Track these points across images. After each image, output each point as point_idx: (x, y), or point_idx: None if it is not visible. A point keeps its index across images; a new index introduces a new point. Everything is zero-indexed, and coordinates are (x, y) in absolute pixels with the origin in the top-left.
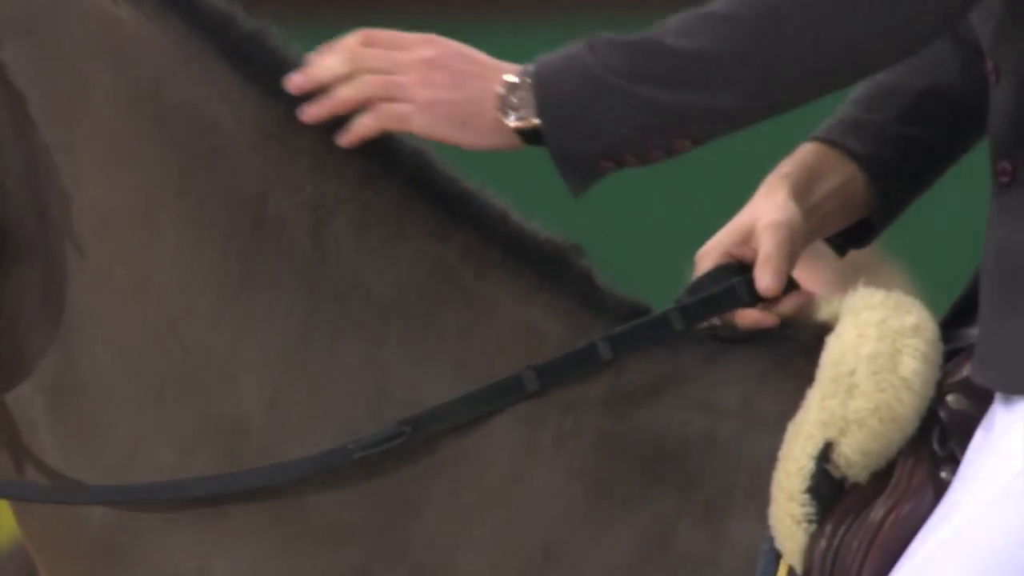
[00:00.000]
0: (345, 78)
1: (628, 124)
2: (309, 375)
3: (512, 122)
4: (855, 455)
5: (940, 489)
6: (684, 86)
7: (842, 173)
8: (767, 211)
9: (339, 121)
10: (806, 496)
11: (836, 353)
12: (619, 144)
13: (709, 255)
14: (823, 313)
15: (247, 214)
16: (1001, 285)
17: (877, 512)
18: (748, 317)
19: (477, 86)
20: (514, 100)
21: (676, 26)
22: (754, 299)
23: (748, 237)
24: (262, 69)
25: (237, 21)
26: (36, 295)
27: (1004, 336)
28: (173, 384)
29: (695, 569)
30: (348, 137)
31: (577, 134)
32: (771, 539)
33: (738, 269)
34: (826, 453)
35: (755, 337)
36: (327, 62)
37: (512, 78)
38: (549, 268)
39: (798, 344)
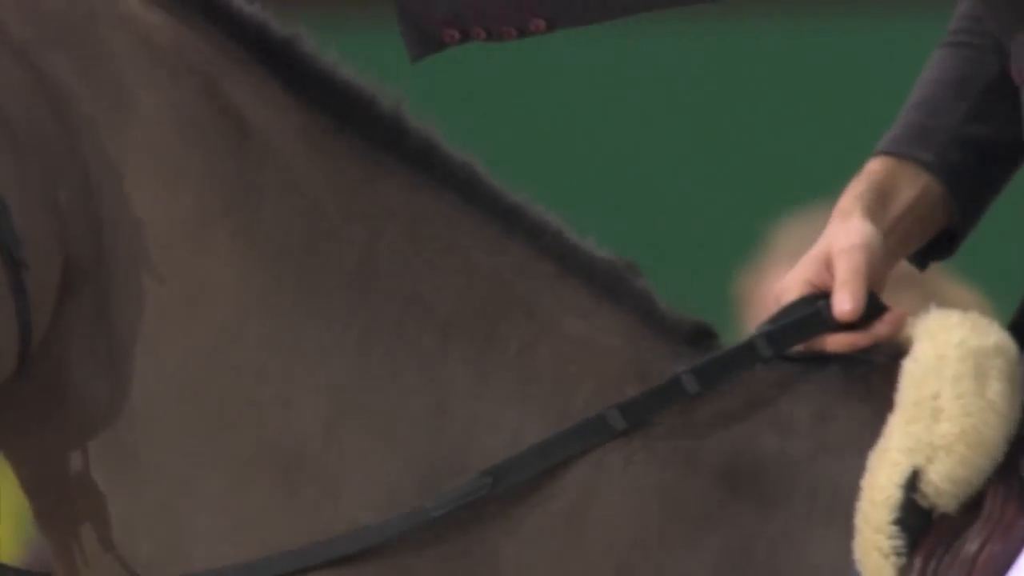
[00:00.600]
0: None
1: None
2: (367, 398)
3: None
4: (943, 483)
5: None
6: None
7: (916, 186)
8: (842, 236)
9: (388, 130)
10: (894, 528)
11: (917, 376)
12: (468, 5)
13: (791, 289)
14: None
15: (299, 228)
16: None
17: (971, 545)
18: (840, 341)
19: None
20: None
21: None
22: (839, 323)
23: (826, 265)
24: (303, 77)
25: (271, 27)
26: (87, 319)
27: None
28: (225, 410)
29: None
30: None
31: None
32: (856, 573)
33: (821, 298)
34: (913, 481)
35: (827, 358)
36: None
37: None
38: (607, 284)
39: (872, 365)
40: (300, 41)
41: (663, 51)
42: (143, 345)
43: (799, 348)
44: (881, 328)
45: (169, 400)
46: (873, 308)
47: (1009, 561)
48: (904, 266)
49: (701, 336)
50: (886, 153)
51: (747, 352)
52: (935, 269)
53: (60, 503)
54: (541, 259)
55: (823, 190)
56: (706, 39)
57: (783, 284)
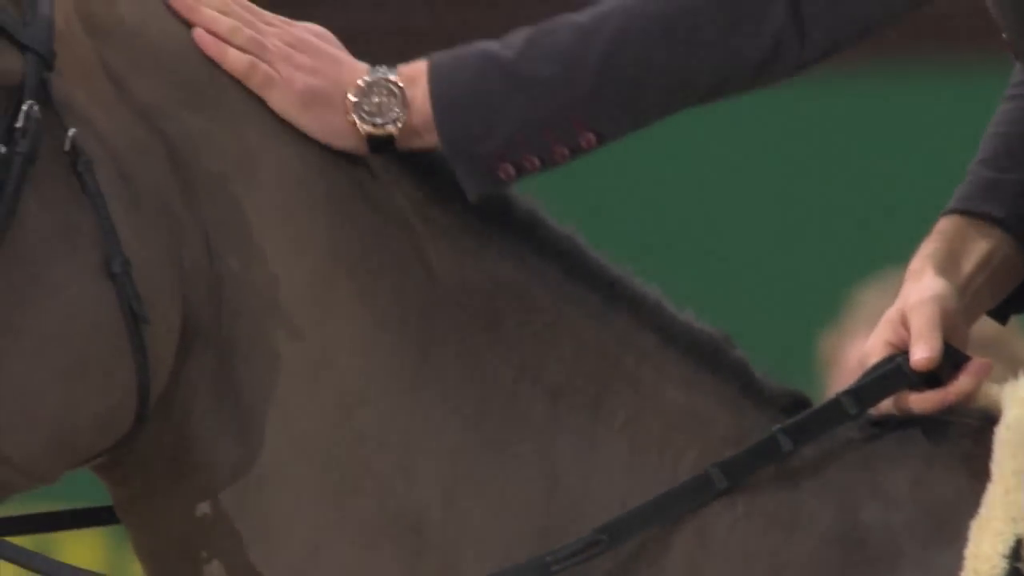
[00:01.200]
0: (217, 9)
1: (526, 108)
2: (482, 465)
3: (366, 127)
4: None
5: None
6: (581, 63)
7: (988, 241)
8: (914, 294)
9: (494, 202)
10: None
11: (1012, 444)
12: (517, 135)
13: (872, 352)
14: (981, 400)
15: (416, 297)
16: None
17: None
18: (927, 401)
19: (334, 79)
20: (368, 104)
21: (589, 9)
22: (921, 377)
23: (902, 323)
24: (419, 152)
25: None
26: (210, 383)
27: None
28: (349, 475)
29: None
30: (224, 62)
31: (471, 124)
32: None
33: (900, 355)
34: (1017, 551)
35: (916, 421)
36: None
37: (366, 79)
38: (705, 355)
39: (962, 427)
40: None
41: (746, 112)
42: (271, 408)
43: (889, 410)
44: (964, 381)
45: (297, 464)
46: (953, 360)
47: None
48: (984, 333)
49: (798, 405)
50: (955, 211)
51: (834, 410)
52: (1014, 333)
53: (185, 572)
54: (643, 331)
55: (905, 253)
56: (790, 102)
57: (865, 348)
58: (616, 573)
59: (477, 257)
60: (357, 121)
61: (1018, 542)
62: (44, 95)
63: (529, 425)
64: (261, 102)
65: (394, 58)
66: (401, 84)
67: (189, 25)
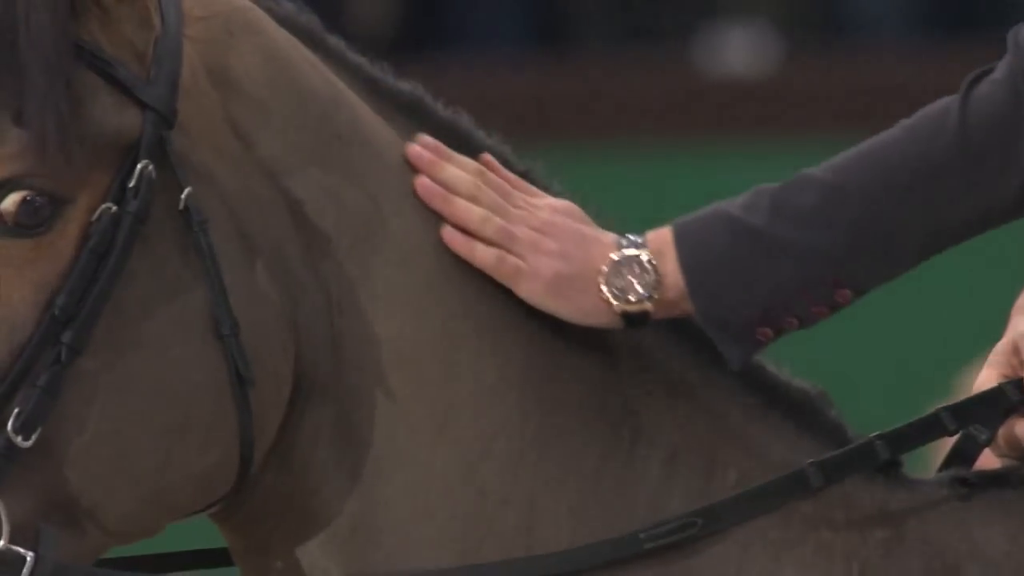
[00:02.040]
0: (467, 197)
1: (782, 273)
2: (601, 525)
3: (620, 306)
4: None
5: None
6: (834, 226)
7: None
8: (1022, 324)
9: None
10: None
11: None
12: (774, 301)
13: (984, 386)
14: None
15: (539, 356)
16: None
17: None
18: None
19: (583, 262)
20: (620, 281)
21: (824, 165)
22: None
23: (1014, 353)
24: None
25: (510, 159)
26: (331, 436)
27: None
28: (471, 531)
29: None
30: (472, 259)
31: (728, 294)
32: None
33: (1018, 383)
34: None
35: (1005, 476)
36: (454, 171)
37: (615, 258)
38: (805, 415)
39: None
40: (534, 173)
41: None
42: (393, 462)
43: (999, 440)
44: None
45: (417, 520)
46: None
47: None
48: None
49: (891, 464)
50: None
51: (934, 423)
52: None
53: None
54: (748, 389)
55: None
56: None
57: (977, 382)
58: (714, 543)
59: None
60: (612, 300)
61: None
62: (161, 153)
63: (645, 483)
64: (384, 161)
65: (514, 123)
66: (653, 261)
67: (319, 80)
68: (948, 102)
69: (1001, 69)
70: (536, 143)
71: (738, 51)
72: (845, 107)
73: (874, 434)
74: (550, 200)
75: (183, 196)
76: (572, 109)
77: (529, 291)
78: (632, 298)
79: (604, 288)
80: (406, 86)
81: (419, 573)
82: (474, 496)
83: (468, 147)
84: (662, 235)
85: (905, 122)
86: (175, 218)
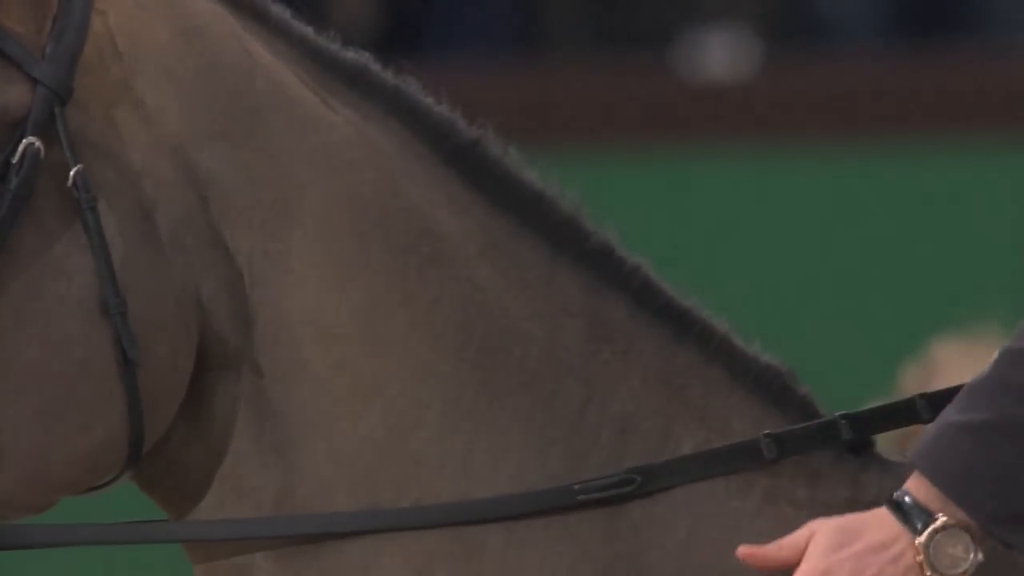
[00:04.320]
0: None
1: None
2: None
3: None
4: None
5: None
6: None
7: None
8: None
9: (567, 231)
10: None
11: None
12: None
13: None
14: None
15: (479, 324)
16: None
17: None
18: None
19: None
20: (945, 560)
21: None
22: None
23: None
24: (487, 178)
25: (458, 127)
26: (248, 411)
27: None
28: (403, 499)
29: None
30: None
31: (1006, 494)
32: None
33: None
34: None
35: None
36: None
37: (924, 536)
38: (772, 390)
39: None
40: (485, 143)
41: (829, 168)
42: (314, 434)
43: None
44: None
45: (344, 488)
46: None
47: None
48: None
49: (863, 445)
50: None
51: (906, 409)
52: None
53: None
54: (711, 363)
55: (982, 308)
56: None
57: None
58: (641, 533)
59: (546, 286)
60: None
61: None
62: (53, 129)
63: (596, 453)
64: (305, 132)
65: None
66: (955, 523)
67: (237, 52)
68: None
69: None
70: (517, 148)
71: (717, 56)
72: (824, 111)
73: (839, 413)
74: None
75: (72, 173)
76: (551, 114)
77: None
78: (966, 566)
79: (931, 574)
80: (351, 55)
81: (320, 516)
82: (406, 464)
83: (417, 118)
84: (920, 485)
85: None
86: (65, 195)
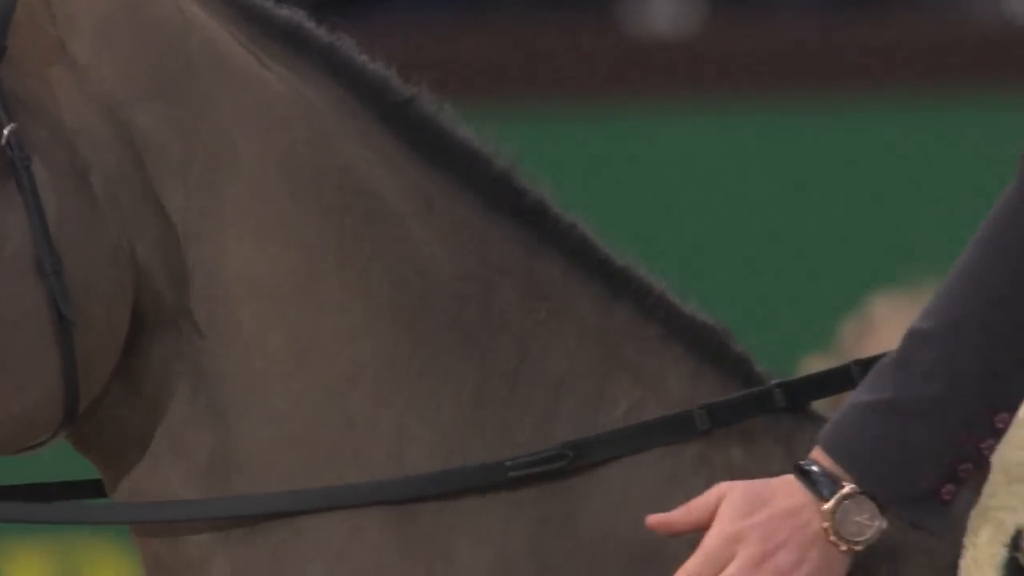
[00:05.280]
0: None
1: (935, 429)
2: (479, 453)
3: (860, 547)
4: None
5: None
6: (961, 367)
7: None
8: None
9: (503, 190)
10: None
11: (1014, 435)
12: (941, 456)
13: None
14: None
15: (414, 284)
16: None
17: None
18: None
19: (811, 541)
20: (852, 528)
21: (923, 314)
22: None
23: None
24: (422, 136)
25: (393, 85)
26: (183, 369)
27: None
28: (337, 460)
29: None
30: None
31: (899, 472)
32: None
33: None
34: (1016, 541)
35: None
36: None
37: (831, 503)
38: (708, 349)
39: None
40: (420, 100)
41: (769, 124)
42: (248, 393)
43: None
44: None
45: (279, 448)
46: None
47: None
48: None
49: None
50: None
51: (840, 376)
52: None
53: (171, 553)
54: (647, 321)
55: (920, 264)
56: (819, 115)
57: None
58: (574, 494)
59: (481, 244)
60: (855, 548)
61: (1018, 532)
62: None
63: (529, 413)
64: (239, 90)
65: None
66: (861, 491)
67: (169, 9)
68: (1009, 199)
69: None
70: (462, 106)
71: (663, 12)
72: (768, 67)
73: (774, 381)
74: (705, 501)
75: (6, 132)
76: (497, 71)
77: None
78: (870, 534)
79: (836, 539)
80: (285, 13)
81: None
82: (340, 425)
83: (352, 76)
84: (824, 458)
85: (977, 237)
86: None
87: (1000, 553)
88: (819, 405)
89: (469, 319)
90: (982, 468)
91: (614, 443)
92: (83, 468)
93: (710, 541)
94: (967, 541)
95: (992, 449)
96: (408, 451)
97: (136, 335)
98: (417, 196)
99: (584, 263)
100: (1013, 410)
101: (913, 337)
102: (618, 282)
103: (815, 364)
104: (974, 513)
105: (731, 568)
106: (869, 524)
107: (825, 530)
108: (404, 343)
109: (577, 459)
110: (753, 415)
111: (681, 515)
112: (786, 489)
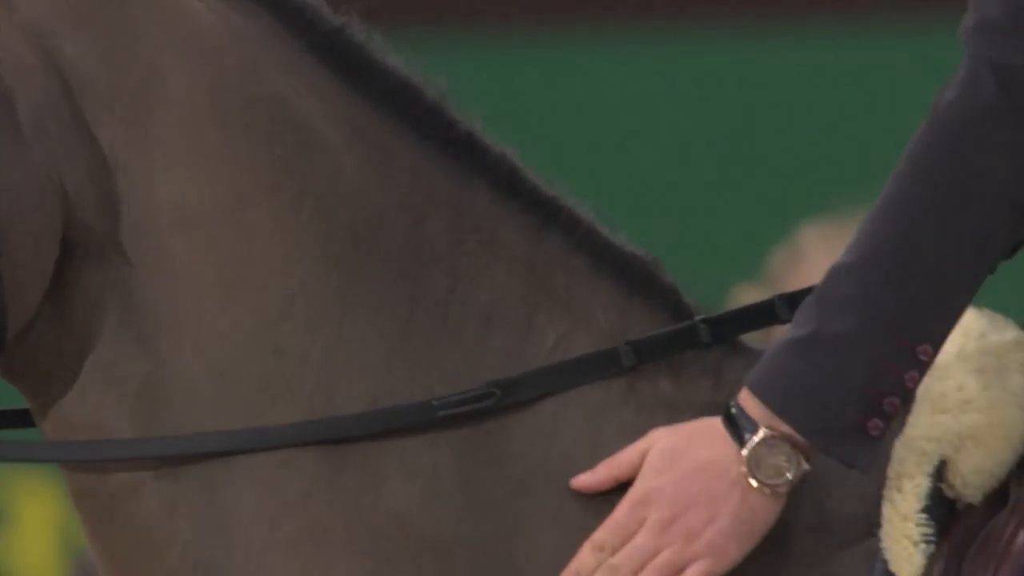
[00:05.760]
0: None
1: (856, 362)
2: (408, 385)
3: (784, 487)
4: (971, 474)
5: None
6: (876, 303)
7: None
8: None
9: (432, 119)
10: (923, 516)
11: (939, 368)
12: (864, 389)
13: None
14: None
15: (343, 215)
16: None
17: (1001, 534)
18: None
19: (728, 490)
20: (769, 471)
21: (846, 249)
22: None
23: None
24: (351, 65)
25: (323, 15)
26: (112, 299)
27: None
28: (266, 390)
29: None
30: None
31: (822, 408)
32: (884, 561)
33: None
34: (940, 471)
35: None
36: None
37: (747, 449)
38: (637, 280)
39: None
40: (350, 29)
41: (699, 56)
42: (177, 323)
43: None
44: None
45: (208, 379)
46: None
47: None
48: None
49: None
50: None
51: (765, 310)
52: None
53: (100, 484)
54: (576, 252)
55: (850, 194)
56: (746, 46)
57: None
58: (504, 429)
59: (410, 175)
60: (779, 491)
61: (942, 462)
62: None
63: (458, 344)
64: (168, 19)
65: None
66: (774, 435)
67: None
68: (923, 133)
69: (961, 70)
70: (393, 36)
71: None
72: None
73: (699, 316)
74: (626, 458)
75: None
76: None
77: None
78: (790, 476)
79: (757, 485)
80: None
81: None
82: (270, 356)
83: (281, 5)
84: (748, 398)
85: (896, 171)
86: None
87: (923, 484)
88: (750, 337)
89: (398, 250)
90: (909, 403)
91: (540, 381)
92: (10, 397)
93: (620, 509)
94: (891, 471)
95: (917, 382)
96: (337, 383)
97: (65, 265)
98: (346, 126)
99: (513, 194)
100: (937, 342)
101: (834, 271)
102: (547, 213)
103: (746, 294)
104: (898, 444)
105: (639, 537)
106: (786, 465)
107: (743, 475)
108: (333, 274)
109: (505, 398)
110: (678, 351)
111: (604, 472)
112: (707, 437)
